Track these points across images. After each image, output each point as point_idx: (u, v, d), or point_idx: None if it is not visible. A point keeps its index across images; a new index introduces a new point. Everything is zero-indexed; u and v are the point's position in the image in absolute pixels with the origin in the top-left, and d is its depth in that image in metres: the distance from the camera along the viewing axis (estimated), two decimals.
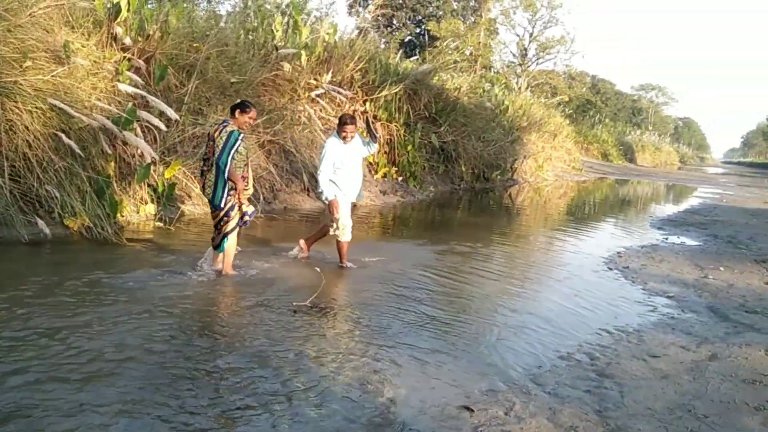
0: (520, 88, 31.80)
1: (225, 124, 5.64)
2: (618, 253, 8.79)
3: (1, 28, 7.01)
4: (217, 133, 5.57)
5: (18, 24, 7.15)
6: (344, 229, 6.42)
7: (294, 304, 5.08)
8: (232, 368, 3.77)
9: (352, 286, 6.13)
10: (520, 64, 45.31)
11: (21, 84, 6.83)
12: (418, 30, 45.35)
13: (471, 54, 35.04)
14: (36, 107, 6.87)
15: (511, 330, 4.98)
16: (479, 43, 38.10)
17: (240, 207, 5.77)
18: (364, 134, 6.84)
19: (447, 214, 12.98)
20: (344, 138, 6.34)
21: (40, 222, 6.49)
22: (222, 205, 5.65)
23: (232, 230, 5.77)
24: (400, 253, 7.70)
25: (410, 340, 4.56)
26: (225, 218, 5.72)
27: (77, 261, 6.07)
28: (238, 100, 6.50)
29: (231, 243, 5.82)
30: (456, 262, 7.45)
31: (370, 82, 13.98)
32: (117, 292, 5.01)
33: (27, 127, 6.75)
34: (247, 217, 5.90)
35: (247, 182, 5.84)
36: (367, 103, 13.94)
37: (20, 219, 6.49)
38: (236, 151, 5.51)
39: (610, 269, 7.66)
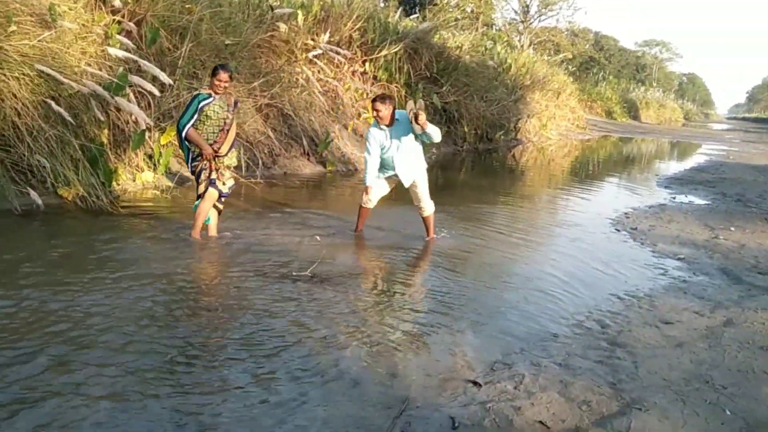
0: (522, 46, 31.28)
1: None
2: (625, 213, 8.61)
3: None
4: None
5: None
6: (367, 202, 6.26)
7: (293, 273, 4.92)
8: (224, 345, 3.63)
9: (352, 256, 5.93)
10: (522, 21, 44.48)
11: (6, 50, 6.57)
12: None
13: (472, 11, 34.31)
14: (23, 74, 6.61)
15: (517, 298, 4.82)
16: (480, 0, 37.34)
17: (210, 173, 5.53)
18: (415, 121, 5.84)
19: (449, 177, 12.76)
20: (378, 120, 5.91)
21: (33, 192, 6.29)
22: (190, 170, 5.65)
23: (200, 196, 5.60)
24: (401, 220, 7.50)
25: (412, 311, 4.41)
26: (197, 183, 5.63)
27: (70, 231, 5.89)
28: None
29: (201, 208, 5.63)
30: (460, 227, 7.25)
31: (369, 42, 13.62)
32: (111, 262, 4.85)
33: (15, 95, 6.51)
34: (226, 190, 5.68)
35: (220, 148, 5.51)
36: (367, 63, 13.61)
37: (12, 189, 6.31)
38: (201, 114, 5.33)
39: (618, 230, 7.49)
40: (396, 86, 14.07)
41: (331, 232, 6.44)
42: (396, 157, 5.98)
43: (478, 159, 16.36)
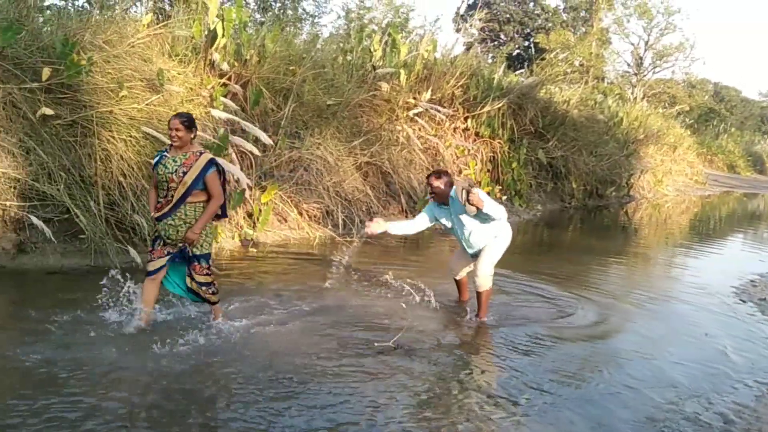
0: (635, 99, 30.14)
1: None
2: (752, 281, 7.79)
3: (100, 59, 7.15)
4: None
5: (115, 54, 7.27)
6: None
7: (376, 344, 4.68)
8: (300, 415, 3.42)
9: (441, 325, 5.51)
10: (635, 74, 43.19)
11: (116, 114, 6.91)
12: (526, 43, 44.43)
13: (581, 65, 33.71)
14: (130, 136, 6.93)
15: (622, 378, 4.33)
16: (591, 53, 36.66)
17: (161, 248, 4.63)
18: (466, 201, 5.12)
19: (556, 235, 12.21)
20: (432, 198, 5.49)
21: (132, 250, 6.48)
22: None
23: (147, 274, 4.69)
24: (500, 281, 7.13)
25: (505, 388, 4.04)
26: None
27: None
28: None
29: (144, 289, 4.68)
30: (565, 290, 6.76)
31: (472, 98, 13.49)
32: (190, 323, 4.81)
33: (122, 156, 6.81)
34: (151, 268, 4.65)
35: (162, 209, 4.52)
36: (469, 120, 13.46)
37: (114, 247, 6.52)
38: (155, 168, 4.61)
39: (743, 302, 6.74)
40: (499, 142, 13.80)
41: (421, 296, 6.15)
42: (464, 237, 5.47)
43: (588, 216, 15.64)
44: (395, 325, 5.12)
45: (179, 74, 8.09)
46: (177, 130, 4.44)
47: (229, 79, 8.82)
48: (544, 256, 9.23)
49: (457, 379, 4.17)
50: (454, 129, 13.32)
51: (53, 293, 5.55)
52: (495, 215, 5.11)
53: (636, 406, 3.90)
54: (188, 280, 4.70)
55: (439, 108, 12.26)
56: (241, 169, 8.07)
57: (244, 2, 9.72)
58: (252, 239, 8.12)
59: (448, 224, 5.53)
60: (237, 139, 7.80)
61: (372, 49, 11.78)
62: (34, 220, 6.16)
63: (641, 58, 43.18)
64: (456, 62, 13.48)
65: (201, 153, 4.55)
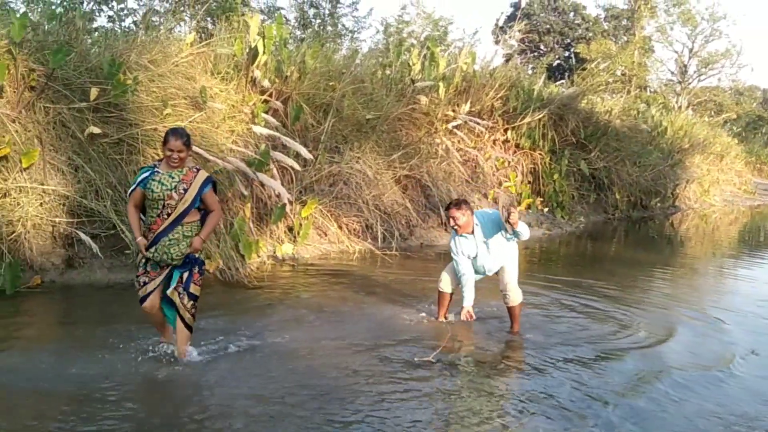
0: (680, 108, 29.58)
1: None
2: None
3: (145, 78, 7.34)
4: None
5: (159, 73, 7.45)
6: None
7: (416, 359, 4.66)
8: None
9: (483, 339, 5.46)
10: (680, 82, 42.44)
11: (161, 131, 7.06)
12: (566, 54, 44.05)
13: (624, 74, 33.23)
14: None
15: (682, 392, 4.20)
16: (633, 62, 36.13)
17: (148, 275, 4.29)
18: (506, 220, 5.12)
19: (599, 248, 11.99)
20: (456, 230, 5.30)
21: None
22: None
23: (140, 300, 4.34)
24: (540, 296, 7.03)
25: (572, 401, 3.97)
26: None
27: (202, 306, 6.04)
28: None
29: (152, 322, 4.49)
30: (610, 307, 6.62)
31: (512, 110, 13.41)
32: (226, 335, 4.86)
33: None
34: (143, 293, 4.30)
35: (152, 236, 4.18)
36: (509, 132, 13.37)
37: None
38: (139, 187, 4.21)
39: None
40: (540, 153, 13.68)
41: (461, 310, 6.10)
42: (487, 261, 5.39)
43: (632, 227, 15.34)
44: (435, 340, 5.09)
45: (221, 91, 8.25)
46: (180, 151, 4.14)
47: (270, 95, 8.96)
48: (588, 268, 9.07)
49: (511, 393, 4.12)
50: (494, 141, 13.26)
51: (100, 307, 5.70)
52: (524, 234, 5.13)
53: (701, 420, 3.80)
54: (176, 294, 4.28)
55: (479, 120, 12.23)
56: (282, 184, 8.16)
57: (284, 19, 9.85)
58: (284, 256, 8.14)
59: (472, 254, 5.37)
60: (278, 155, 7.90)
61: (411, 63, 11.83)
62: (83, 236, 6.32)
63: (686, 66, 42.43)
64: (495, 74, 13.43)
65: (198, 169, 4.30)
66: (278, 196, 8.01)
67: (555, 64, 42.32)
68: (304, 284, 7.05)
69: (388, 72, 11.79)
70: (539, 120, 13.48)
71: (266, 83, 8.91)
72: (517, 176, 13.23)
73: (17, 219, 6.19)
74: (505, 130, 13.37)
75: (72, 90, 6.93)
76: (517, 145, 13.53)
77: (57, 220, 6.43)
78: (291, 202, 8.36)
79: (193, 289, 4.31)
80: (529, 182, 13.65)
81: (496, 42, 38.73)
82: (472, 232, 5.30)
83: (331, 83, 9.82)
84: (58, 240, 6.51)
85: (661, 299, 7.22)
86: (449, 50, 16.41)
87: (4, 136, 6.28)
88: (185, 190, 4.18)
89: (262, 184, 7.98)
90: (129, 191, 4.33)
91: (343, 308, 6.00)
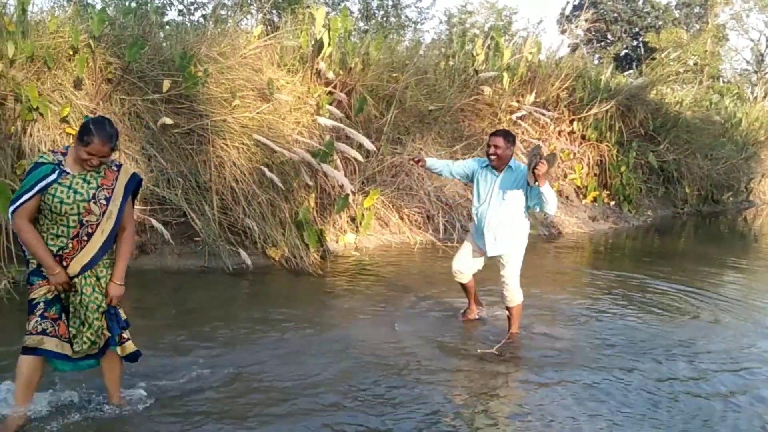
0: (755, 98, 28.38)
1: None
2: None
3: (215, 70, 7.54)
4: None
5: (228, 66, 7.63)
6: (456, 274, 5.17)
7: (478, 351, 4.66)
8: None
9: (547, 332, 5.38)
10: (756, 71, 40.63)
11: (230, 122, 7.26)
12: (634, 43, 42.78)
13: (695, 64, 32.06)
14: (242, 143, 7.26)
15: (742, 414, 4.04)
16: (705, 51, 34.80)
17: (40, 310, 3.02)
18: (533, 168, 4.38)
19: (669, 242, 11.63)
20: (491, 158, 4.72)
21: (243, 253, 6.79)
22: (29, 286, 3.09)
23: (23, 349, 3.04)
24: (607, 291, 6.89)
25: (617, 411, 3.91)
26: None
27: (268, 293, 6.23)
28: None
29: (19, 370, 3.05)
30: (674, 304, 6.45)
31: (578, 101, 13.14)
32: (297, 326, 4.97)
33: (234, 163, 7.15)
34: (74, 352, 3.08)
35: (69, 264, 3.00)
36: (575, 123, 13.11)
37: (227, 249, 6.85)
38: (37, 194, 2.93)
39: None
40: (607, 145, 13.36)
41: (525, 304, 6.03)
42: (489, 216, 4.78)
43: (702, 222, 14.83)
44: (498, 332, 5.08)
45: (287, 83, 8.39)
46: (103, 157, 2.99)
47: (335, 87, 9.05)
48: (655, 263, 8.82)
49: (575, 390, 4.09)
50: (559, 132, 13.01)
51: (170, 292, 5.93)
52: (549, 202, 4.52)
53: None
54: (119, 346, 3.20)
55: (544, 111, 12.03)
56: (345, 175, 8.25)
57: (348, 11, 9.92)
58: (346, 246, 8.24)
59: (483, 194, 4.83)
60: (342, 146, 7.98)
61: (474, 53, 11.73)
62: (155, 223, 6.56)
63: (762, 55, 40.58)
64: (561, 64, 13.17)
65: (119, 166, 3.14)
66: (341, 186, 8.10)
67: (623, 53, 41.11)
68: (365, 274, 7.12)
69: (451, 63, 11.73)
70: (606, 111, 13.16)
71: (331, 75, 9.01)
72: (582, 168, 12.97)
73: None
74: (571, 121, 13.11)
75: (146, 82, 7.19)
76: (583, 137, 13.25)
77: None
78: (354, 193, 8.45)
79: (123, 315, 3.25)
80: (596, 175, 13.36)
81: (562, 32, 37.97)
82: (501, 171, 4.76)
83: (394, 74, 9.85)
84: None
85: (736, 295, 6.97)
86: (513, 40, 16.21)
87: None
88: (107, 199, 3.04)
89: (326, 175, 8.08)
90: (17, 200, 2.93)
91: (404, 300, 6.04)
